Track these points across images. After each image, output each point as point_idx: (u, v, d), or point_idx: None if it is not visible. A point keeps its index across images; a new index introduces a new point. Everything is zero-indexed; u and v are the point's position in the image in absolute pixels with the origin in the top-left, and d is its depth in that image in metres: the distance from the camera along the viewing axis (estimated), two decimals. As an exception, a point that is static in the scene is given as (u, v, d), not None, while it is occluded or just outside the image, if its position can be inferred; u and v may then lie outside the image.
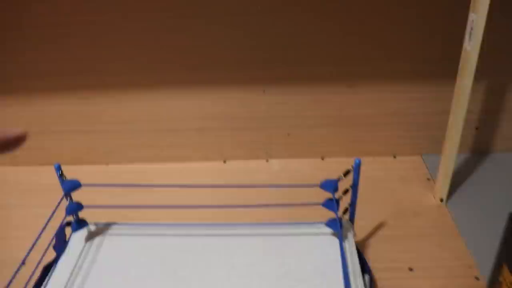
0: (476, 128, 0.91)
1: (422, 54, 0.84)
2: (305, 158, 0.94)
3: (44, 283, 0.59)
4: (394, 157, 0.95)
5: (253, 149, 0.94)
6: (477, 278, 0.67)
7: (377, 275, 0.67)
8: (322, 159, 0.95)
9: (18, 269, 0.55)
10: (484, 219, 0.78)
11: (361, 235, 0.75)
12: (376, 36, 0.82)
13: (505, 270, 0.51)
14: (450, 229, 0.76)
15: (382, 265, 0.69)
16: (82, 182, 0.65)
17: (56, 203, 0.63)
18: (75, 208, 0.66)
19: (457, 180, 0.86)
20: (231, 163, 0.95)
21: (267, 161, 0.95)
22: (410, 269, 0.69)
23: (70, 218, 0.68)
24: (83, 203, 0.67)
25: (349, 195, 0.64)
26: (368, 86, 0.88)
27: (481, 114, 0.90)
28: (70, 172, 0.69)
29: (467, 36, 0.66)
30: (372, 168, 0.91)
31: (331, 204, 0.60)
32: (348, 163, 0.90)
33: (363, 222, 0.76)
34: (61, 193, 0.65)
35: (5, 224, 0.83)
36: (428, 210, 0.81)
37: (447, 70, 0.83)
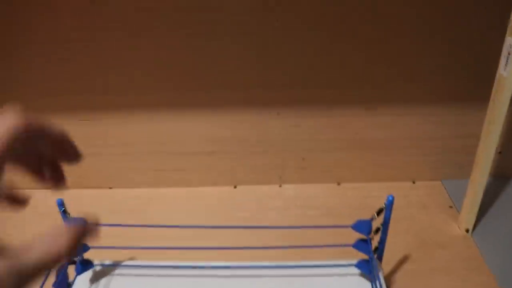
0: (499, 152, 0.87)
1: (443, 77, 0.80)
2: (320, 183, 0.90)
3: None
4: (413, 182, 0.90)
5: (265, 173, 0.89)
6: (512, 319, 0.63)
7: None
8: (338, 184, 0.90)
9: None
10: (512, 250, 0.74)
11: (386, 270, 0.70)
12: (396, 58, 0.78)
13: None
14: (478, 263, 0.72)
15: (410, 306, 0.65)
16: (84, 210, 0.59)
17: None
18: (80, 249, 0.61)
19: (481, 207, 0.82)
20: (242, 188, 0.90)
21: (280, 186, 0.90)
22: (440, 310, 0.65)
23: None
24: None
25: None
26: (386, 109, 0.83)
27: (504, 137, 0.86)
28: (72, 197, 0.63)
29: (503, 61, 0.62)
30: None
31: (364, 246, 0.56)
32: (364, 188, 0.86)
33: (388, 255, 0.71)
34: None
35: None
36: (453, 241, 0.76)
37: (469, 93, 0.80)
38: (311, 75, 0.80)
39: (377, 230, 0.57)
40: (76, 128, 0.85)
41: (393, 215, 0.82)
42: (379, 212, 0.56)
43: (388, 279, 0.69)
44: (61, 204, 0.58)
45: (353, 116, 0.84)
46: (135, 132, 0.86)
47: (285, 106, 0.83)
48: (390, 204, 0.56)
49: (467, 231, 0.77)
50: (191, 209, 0.85)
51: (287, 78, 0.80)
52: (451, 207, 0.84)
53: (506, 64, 0.62)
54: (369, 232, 0.55)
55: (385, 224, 0.57)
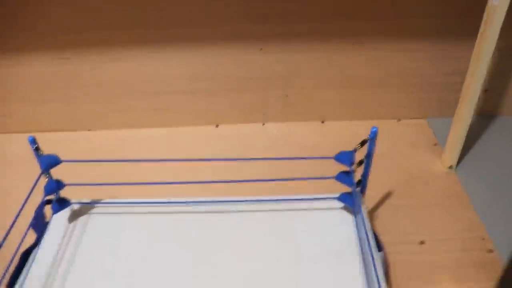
0: (485, 91, 0.86)
1: (433, 10, 0.77)
2: (305, 121, 0.88)
3: (24, 271, 0.53)
4: (399, 120, 0.89)
5: (248, 112, 0.87)
6: (490, 251, 0.64)
7: (388, 249, 0.63)
8: (323, 122, 0.89)
9: None
10: (496, 186, 0.74)
11: (369, 205, 0.70)
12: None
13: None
14: (461, 198, 0.72)
15: (393, 239, 0.65)
16: (62, 152, 0.57)
17: (34, 177, 0.56)
18: (54, 187, 0.58)
19: (465, 145, 0.81)
20: (224, 128, 0.88)
21: (263, 124, 0.88)
22: (422, 243, 0.65)
23: (50, 197, 0.60)
24: (64, 177, 0.59)
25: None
26: (373, 44, 0.81)
27: (491, 76, 0.84)
28: (49, 141, 0.62)
29: (494, -11, 0.60)
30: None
31: (347, 178, 0.54)
32: (349, 126, 0.85)
33: (372, 191, 0.71)
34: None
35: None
36: (437, 177, 0.76)
37: (460, 28, 0.78)
38: (296, 8, 0.76)
39: (360, 162, 0.56)
40: (51, 69, 0.82)
41: (377, 152, 0.81)
42: (362, 143, 0.54)
43: (372, 213, 0.69)
44: (33, 141, 0.56)
45: (339, 51, 0.81)
46: (111, 71, 0.83)
47: (268, 40, 0.80)
48: (374, 136, 0.54)
49: (450, 167, 0.77)
50: (171, 148, 0.83)
51: (271, 11, 0.76)
52: (435, 144, 0.83)
53: (498, -8, 0.59)
54: (351, 163, 0.53)
55: (369, 156, 0.56)
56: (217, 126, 0.88)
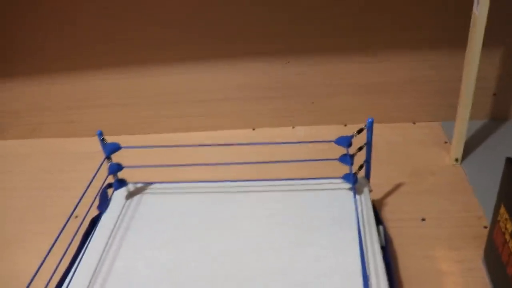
0: (494, 94, 0.95)
1: (439, 23, 0.88)
2: (328, 125, 1.01)
3: (91, 234, 0.68)
4: (414, 123, 1.00)
5: (279, 117, 1.01)
6: (485, 227, 0.73)
7: (391, 224, 0.74)
8: (345, 125, 1.01)
9: (67, 221, 0.63)
10: (497, 178, 0.82)
11: (378, 191, 0.81)
12: (394, 7, 0.87)
13: (502, 208, 0.57)
14: (463, 186, 0.82)
15: (397, 217, 0.76)
16: (121, 151, 0.73)
17: (97, 169, 0.71)
18: (116, 168, 0.74)
19: (473, 143, 0.91)
20: (259, 131, 1.02)
21: (292, 128, 1.02)
22: (423, 219, 0.75)
23: (112, 180, 0.76)
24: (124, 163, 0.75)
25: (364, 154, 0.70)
26: (385, 55, 0.93)
27: (499, 80, 0.93)
28: (110, 141, 0.78)
29: (475, 0, 0.70)
30: (392, 134, 0.97)
31: (346, 158, 0.66)
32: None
33: (381, 180, 0.82)
34: (101, 160, 0.73)
35: (53, 185, 0.94)
36: (443, 169, 0.86)
37: (464, 38, 0.87)
38: (317, 26, 0.90)
39: (360, 148, 0.68)
40: (112, 82, 1.00)
41: (391, 150, 0.93)
42: (359, 131, 0.66)
43: (379, 199, 0.80)
44: (100, 134, 0.72)
45: (355, 63, 0.94)
46: (163, 84, 1.00)
47: (294, 55, 0.94)
48: (370, 126, 0.66)
49: (456, 160, 0.87)
50: (215, 147, 0.98)
51: (296, 29, 0.91)
52: (446, 142, 0.93)
53: (477, 3, 0.70)
54: (348, 145, 0.66)
55: (368, 143, 0.68)
56: (253, 129, 1.03)
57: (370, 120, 0.66)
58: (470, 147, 0.88)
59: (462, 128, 0.83)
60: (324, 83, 0.97)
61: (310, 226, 0.65)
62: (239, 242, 0.64)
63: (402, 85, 0.96)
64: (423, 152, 0.91)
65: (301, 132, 1.01)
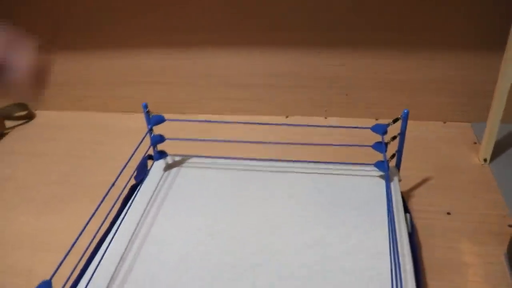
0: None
1: (474, 24, 0.90)
2: (360, 118, 1.04)
3: (131, 199, 0.72)
4: (444, 122, 1.02)
5: (313, 106, 1.04)
6: (510, 226, 0.75)
7: (416, 215, 0.76)
8: (376, 119, 1.04)
9: (110, 188, 0.66)
10: (524, 179, 0.84)
11: (405, 183, 0.83)
12: (431, 5, 0.89)
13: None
14: (490, 185, 0.84)
15: (421, 208, 0.78)
16: (161, 127, 0.77)
17: (140, 140, 0.75)
18: (158, 139, 0.78)
19: (504, 145, 0.92)
20: (292, 119, 1.06)
21: (325, 118, 1.05)
22: (448, 213, 0.78)
23: (152, 153, 0.80)
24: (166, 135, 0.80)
25: (397, 144, 0.73)
26: (421, 53, 0.95)
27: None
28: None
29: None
30: (421, 131, 0.99)
31: (380, 146, 0.69)
32: (399, 124, 0.98)
33: (409, 172, 0.85)
34: (142, 135, 0.76)
35: (100, 155, 0.99)
36: (471, 168, 0.88)
37: (498, 41, 0.89)
38: (353, 19, 0.93)
39: (394, 137, 0.71)
40: (157, 62, 1.05)
41: (420, 146, 0.95)
42: (394, 121, 0.69)
43: (407, 190, 0.83)
44: (145, 106, 0.76)
45: (391, 59, 0.96)
46: (205, 66, 1.04)
47: (329, 47, 0.97)
48: (405, 116, 0.69)
49: (485, 160, 0.89)
50: (249, 131, 1.02)
51: (331, 22, 0.94)
52: (475, 143, 0.95)
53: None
54: (383, 133, 0.69)
55: (402, 133, 0.71)
56: (287, 117, 1.06)
57: (406, 110, 0.69)
58: (499, 149, 0.90)
59: (493, 129, 0.85)
60: (358, 76, 0.99)
61: (340, 207, 0.68)
62: (269, 218, 0.67)
63: (434, 84, 0.98)
64: (452, 151, 0.93)
65: (333, 122, 1.04)
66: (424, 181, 0.85)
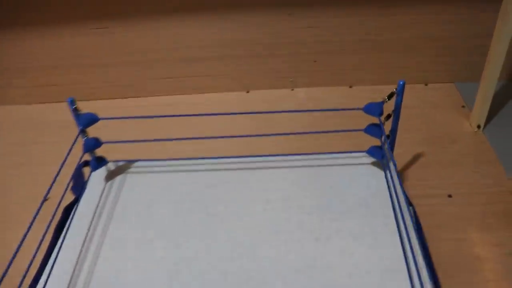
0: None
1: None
2: (332, 86, 0.90)
3: (67, 225, 0.56)
4: (426, 84, 0.90)
5: (277, 78, 0.90)
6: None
7: (416, 202, 0.65)
8: (350, 87, 0.91)
9: (40, 208, 0.50)
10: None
11: (399, 161, 0.72)
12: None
13: None
14: (488, 155, 0.74)
15: (421, 192, 0.68)
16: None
17: (71, 145, 0.58)
18: (93, 144, 0.61)
19: (494, 107, 0.82)
20: (254, 93, 0.91)
21: (292, 90, 0.91)
22: (449, 196, 0.67)
23: (88, 157, 0.63)
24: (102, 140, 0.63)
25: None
26: (398, 9, 0.82)
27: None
28: (85, 108, 0.65)
29: None
30: (404, 96, 0.86)
31: (376, 130, 0.56)
32: (377, 90, 0.86)
33: (400, 149, 0.73)
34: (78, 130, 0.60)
35: (25, 160, 0.81)
36: (465, 137, 0.78)
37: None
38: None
39: (388, 116, 0.58)
40: (87, 39, 0.86)
41: (406, 114, 0.82)
42: (390, 96, 0.56)
43: (401, 169, 0.71)
44: (71, 102, 0.58)
45: (365, 16, 0.83)
46: (146, 40, 0.86)
47: (297, 6, 0.82)
48: (401, 89, 0.56)
49: (478, 127, 0.78)
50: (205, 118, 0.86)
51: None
52: (463, 106, 0.84)
53: None
54: (380, 114, 0.55)
55: (397, 109, 0.58)
56: (247, 91, 0.91)
57: (401, 82, 0.56)
58: (490, 111, 0.80)
59: (488, 91, 0.74)
60: (328, 39, 0.85)
61: (333, 210, 0.55)
62: (249, 234, 0.53)
63: (413, 41, 0.86)
64: (439, 117, 0.82)
65: (301, 94, 0.90)
66: (416, 158, 0.74)
